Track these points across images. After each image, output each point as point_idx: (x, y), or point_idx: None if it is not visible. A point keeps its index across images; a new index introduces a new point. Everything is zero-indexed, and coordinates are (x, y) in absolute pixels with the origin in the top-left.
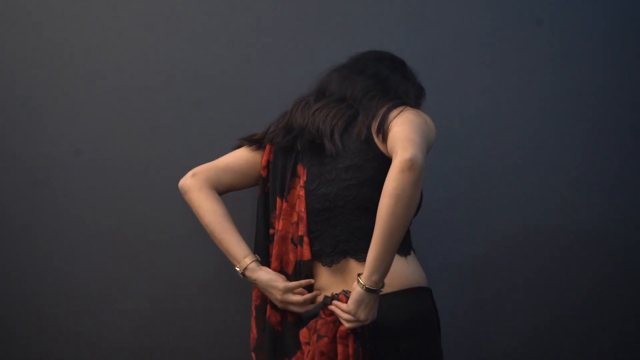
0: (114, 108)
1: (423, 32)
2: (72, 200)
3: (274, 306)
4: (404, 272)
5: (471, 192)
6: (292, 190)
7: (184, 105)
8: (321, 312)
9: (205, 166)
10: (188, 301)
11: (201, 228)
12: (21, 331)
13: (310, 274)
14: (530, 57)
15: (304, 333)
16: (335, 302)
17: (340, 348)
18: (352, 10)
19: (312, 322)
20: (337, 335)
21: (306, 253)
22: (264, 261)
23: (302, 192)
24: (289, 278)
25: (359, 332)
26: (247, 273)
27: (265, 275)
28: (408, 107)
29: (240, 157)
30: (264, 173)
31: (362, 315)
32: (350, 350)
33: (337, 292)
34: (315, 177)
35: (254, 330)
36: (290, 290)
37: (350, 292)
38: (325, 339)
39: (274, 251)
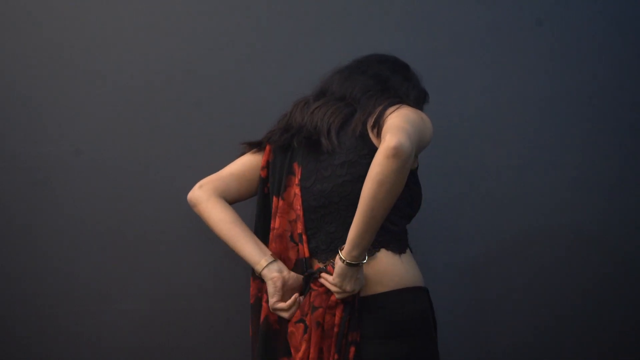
0: (113, 108)
1: (423, 32)
2: (72, 200)
3: None
4: (398, 271)
5: (471, 192)
6: (288, 188)
7: (184, 105)
8: (312, 285)
9: (211, 177)
10: (188, 301)
11: (201, 228)
12: (21, 331)
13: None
14: (530, 57)
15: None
16: (323, 274)
17: (327, 317)
18: (352, 10)
19: (305, 299)
20: (326, 306)
21: (305, 251)
22: None
23: (297, 190)
24: None
25: (350, 301)
26: (263, 278)
27: (270, 288)
28: (406, 105)
29: (243, 163)
30: (263, 174)
31: (348, 287)
32: (337, 319)
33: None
34: (312, 174)
35: (250, 330)
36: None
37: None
38: (320, 310)
39: (272, 249)
